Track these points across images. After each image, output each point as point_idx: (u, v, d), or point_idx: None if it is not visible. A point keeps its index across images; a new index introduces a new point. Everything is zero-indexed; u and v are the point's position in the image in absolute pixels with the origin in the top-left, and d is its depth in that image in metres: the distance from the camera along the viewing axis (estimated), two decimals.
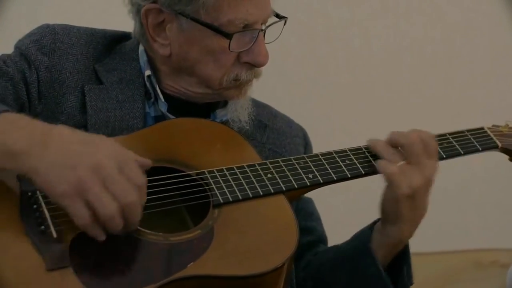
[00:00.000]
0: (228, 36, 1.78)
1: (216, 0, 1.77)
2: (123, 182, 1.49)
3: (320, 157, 1.81)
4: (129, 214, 1.51)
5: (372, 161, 1.81)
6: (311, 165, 1.78)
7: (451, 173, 3.15)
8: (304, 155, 1.82)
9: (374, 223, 1.85)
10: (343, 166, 1.80)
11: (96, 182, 1.47)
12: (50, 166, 1.48)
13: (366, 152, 1.83)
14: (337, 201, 3.06)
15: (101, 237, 1.51)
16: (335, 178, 1.78)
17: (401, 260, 1.84)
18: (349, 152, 1.83)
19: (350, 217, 2.58)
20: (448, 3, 3.45)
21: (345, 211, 3.13)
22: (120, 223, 1.51)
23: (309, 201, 2.07)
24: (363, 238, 1.84)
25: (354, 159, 1.81)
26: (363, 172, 1.80)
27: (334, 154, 1.82)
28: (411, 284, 1.86)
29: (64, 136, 1.52)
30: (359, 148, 1.84)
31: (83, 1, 3.05)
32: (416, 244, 2.01)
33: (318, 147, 2.04)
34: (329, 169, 1.79)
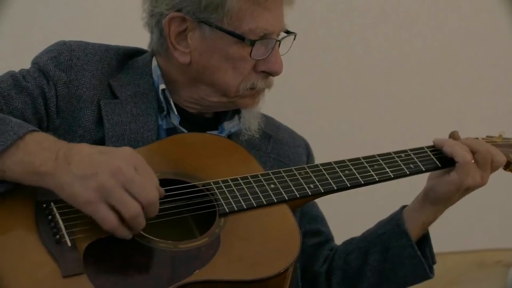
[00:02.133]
0: (252, 43, 1.88)
1: (240, 9, 1.87)
2: (142, 182, 1.59)
3: (321, 167, 1.89)
4: (150, 210, 1.61)
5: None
6: (312, 176, 1.86)
7: None
8: (305, 166, 1.89)
9: (401, 209, 2.02)
10: (343, 176, 1.88)
11: (117, 185, 1.57)
12: (73, 179, 1.58)
13: (364, 163, 1.92)
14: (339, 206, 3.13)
15: (129, 236, 1.61)
16: (335, 188, 1.86)
17: (423, 243, 2.01)
18: (348, 163, 1.91)
19: (350, 222, 2.66)
20: (446, 11, 3.46)
21: (346, 215, 3.20)
22: (143, 221, 1.61)
23: (313, 204, 2.16)
24: (397, 222, 2.00)
25: (353, 169, 1.90)
26: (362, 182, 1.89)
27: (334, 165, 1.90)
28: (434, 262, 2.03)
29: (83, 151, 1.62)
30: (357, 159, 1.93)
31: (92, 18, 3.10)
32: None
33: (321, 154, 2.11)
34: (329, 179, 1.87)
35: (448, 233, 2.85)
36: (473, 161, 1.94)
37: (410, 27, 3.46)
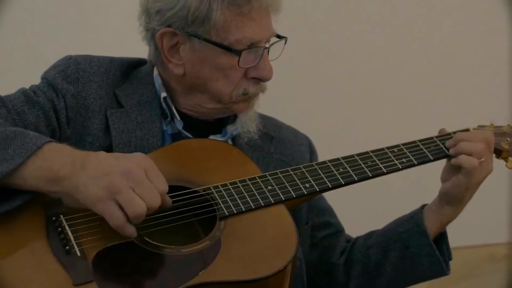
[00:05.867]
0: (238, 53, 1.94)
1: (225, 22, 1.93)
2: (150, 187, 1.67)
3: (316, 166, 1.93)
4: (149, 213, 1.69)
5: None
6: (307, 175, 1.90)
7: None
8: (301, 166, 1.93)
9: (421, 208, 2.07)
10: (337, 174, 1.92)
11: (126, 185, 1.66)
12: (87, 181, 1.67)
13: (358, 160, 1.96)
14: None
15: (134, 234, 1.68)
16: (330, 186, 1.90)
17: (440, 240, 2.07)
18: (342, 161, 1.95)
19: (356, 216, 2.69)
20: (443, 16, 3.50)
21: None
22: (141, 221, 1.68)
23: (320, 197, 2.19)
24: (417, 221, 2.05)
25: (347, 167, 1.94)
26: (356, 179, 1.93)
27: (329, 163, 1.94)
28: (450, 259, 2.08)
29: (100, 156, 1.72)
30: (351, 156, 1.97)
31: (101, 33, 3.17)
32: None
33: (323, 155, 2.14)
34: (324, 178, 1.91)
35: (458, 228, 2.86)
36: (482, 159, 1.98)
37: (408, 31, 3.49)
